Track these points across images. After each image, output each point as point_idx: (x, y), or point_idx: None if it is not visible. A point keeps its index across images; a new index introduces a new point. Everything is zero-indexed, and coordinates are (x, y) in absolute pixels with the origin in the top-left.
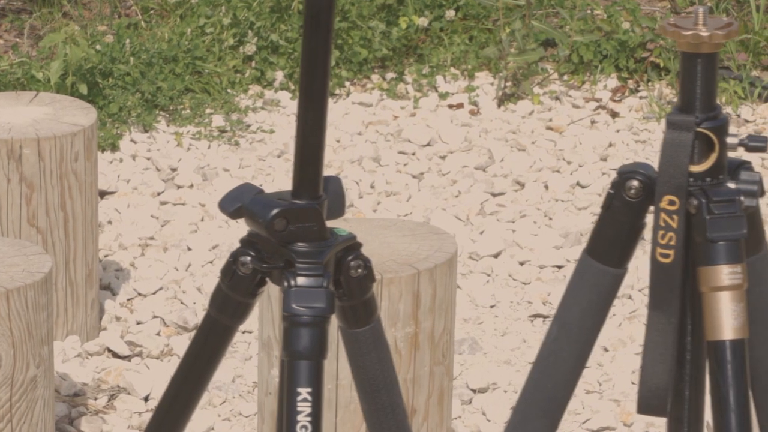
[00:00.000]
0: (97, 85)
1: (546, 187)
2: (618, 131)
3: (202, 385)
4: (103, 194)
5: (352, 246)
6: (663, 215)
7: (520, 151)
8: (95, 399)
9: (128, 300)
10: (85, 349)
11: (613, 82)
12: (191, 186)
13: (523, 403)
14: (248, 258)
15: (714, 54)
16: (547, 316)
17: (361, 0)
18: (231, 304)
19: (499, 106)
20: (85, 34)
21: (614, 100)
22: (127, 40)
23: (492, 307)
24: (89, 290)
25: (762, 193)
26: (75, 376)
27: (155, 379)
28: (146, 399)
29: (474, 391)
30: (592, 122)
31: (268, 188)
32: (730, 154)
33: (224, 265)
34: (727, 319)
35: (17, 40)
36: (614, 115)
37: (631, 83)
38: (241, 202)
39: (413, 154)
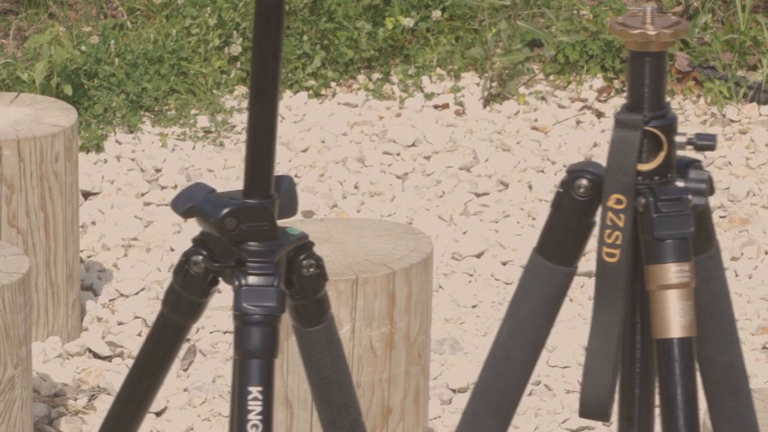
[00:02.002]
0: (83, 86)
1: (530, 187)
2: (603, 131)
3: (156, 385)
4: (87, 195)
5: (304, 245)
6: (610, 214)
7: (505, 152)
8: (75, 399)
9: (110, 301)
10: (65, 349)
11: (599, 82)
12: (175, 187)
13: (475, 401)
14: (200, 257)
15: (662, 53)
16: None
17: (347, 0)
18: (184, 304)
19: (484, 106)
20: (71, 35)
21: (600, 100)
22: (112, 41)
23: (474, 307)
24: (70, 291)
25: (711, 191)
26: (55, 377)
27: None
28: None
29: (454, 391)
30: (578, 122)
31: None
32: (682, 153)
33: (176, 264)
34: (674, 317)
35: (3, 41)
36: (599, 115)
37: (617, 83)
38: (193, 201)
39: (398, 154)
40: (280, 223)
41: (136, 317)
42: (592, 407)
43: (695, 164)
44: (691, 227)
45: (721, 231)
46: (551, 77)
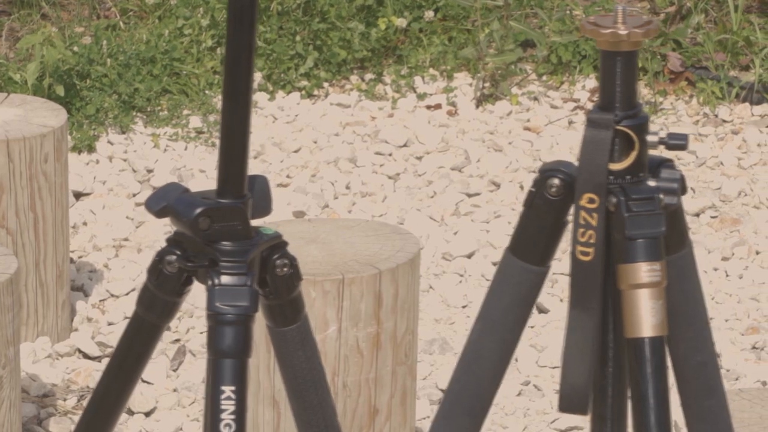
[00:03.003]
0: (75, 86)
1: (521, 187)
2: None
3: (130, 384)
4: (78, 196)
5: (278, 245)
6: (583, 213)
7: (497, 152)
8: (64, 400)
9: (100, 301)
10: (55, 350)
11: (591, 82)
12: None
13: (448, 400)
14: (174, 257)
15: (633, 52)
16: None
17: (340, 1)
18: (158, 303)
19: (477, 106)
20: (63, 35)
21: (592, 101)
22: (104, 42)
23: (464, 307)
24: (60, 291)
25: (683, 191)
26: (45, 377)
27: None
28: None
29: (443, 391)
30: (570, 123)
31: None
32: (654, 152)
33: (150, 263)
34: (646, 316)
35: None
36: None
37: None
38: (166, 201)
39: (390, 154)
40: (255, 222)
41: (127, 318)
42: (570, 401)
43: (667, 163)
44: (662, 226)
45: (713, 231)
46: (544, 77)
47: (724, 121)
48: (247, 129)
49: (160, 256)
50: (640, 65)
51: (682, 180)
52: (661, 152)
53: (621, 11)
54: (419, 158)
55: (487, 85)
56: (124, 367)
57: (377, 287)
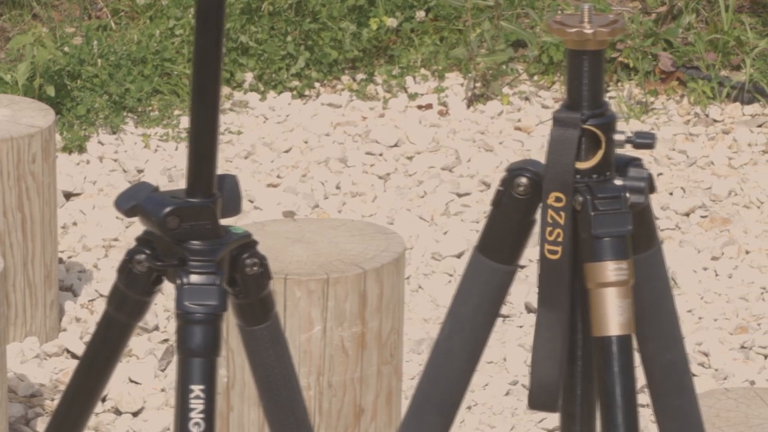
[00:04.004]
0: (65, 86)
1: None
2: None
3: (101, 384)
4: (68, 196)
5: (248, 244)
6: (550, 212)
7: (488, 152)
8: (52, 400)
9: (89, 301)
10: (43, 350)
11: None
12: (158, 188)
13: (418, 399)
14: (143, 256)
15: (600, 51)
16: (507, 316)
17: (331, 1)
18: (128, 302)
19: (468, 106)
20: (54, 36)
21: None
22: (95, 42)
23: None
24: (48, 291)
25: (651, 189)
26: (33, 377)
27: (113, 379)
28: (103, 399)
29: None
30: None
31: None
32: (623, 151)
33: (120, 263)
34: (613, 315)
35: None
36: None
37: None
38: (136, 200)
39: (380, 154)
40: (225, 221)
41: None
42: (540, 399)
43: (635, 162)
44: (628, 225)
45: (702, 231)
46: (535, 77)
47: (715, 120)
48: (215, 128)
49: (130, 255)
50: (631, 65)
51: (649, 179)
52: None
53: (587, 10)
54: (410, 158)
55: (478, 85)
56: (94, 367)
57: (362, 287)
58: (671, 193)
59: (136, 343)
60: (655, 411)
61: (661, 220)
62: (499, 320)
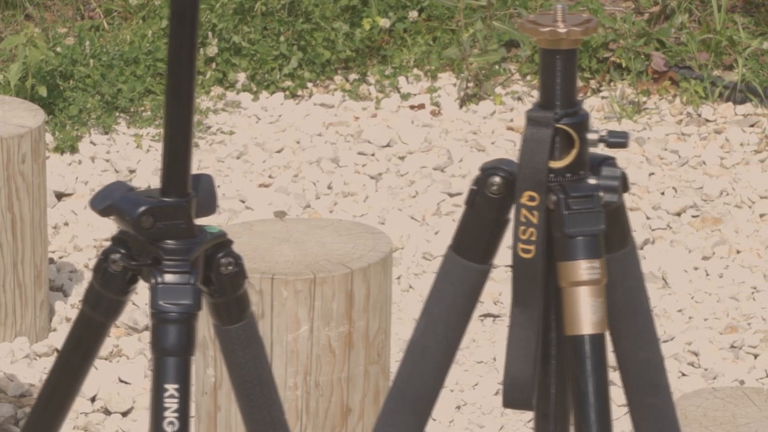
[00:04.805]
0: (58, 87)
1: None
2: None
3: (77, 383)
4: (60, 196)
5: (223, 243)
6: (523, 211)
7: (480, 152)
8: None
9: (80, 301)
10: (33, 350)
11: None
12: (149, 188)
13: (393, 396)
14: (118, 255)
15: (573, 50)
16: (498, 316)
17: (324, 1)
18: (104, 302)
19: (460, 106)
20: (47, 36)
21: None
22: (87, 42)
23: None
24: (38, 292)
25: (625, 189)
26: (22, 377)
27: (102, 379)
28: (93, 399)
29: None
30: None
31: (226, 189)
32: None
33: (96, 262)
34: (585, 314)
35: None
36: None
37: (593, 83)
38: (111, 200)
39: (372, 154)
40: (200, 221)
41: None
42: (514, 397)
43: (609, 161)
44: (601, 224)
45: (693, 230)
46: (528, 77)
47: (707, 120)
48: (190, 128)
49: (105, 254)
50: (623, 65)
51: (623, 178)
52: (644, 153)
53: (560, 9)
54: (402, 158)
55: (470, 85)
56: (70, 367)
57: (349, 287)
58: (663, 193)
59: (126, 343)
60: (630, 409)
61: (652, 219)
62: (489, 320)
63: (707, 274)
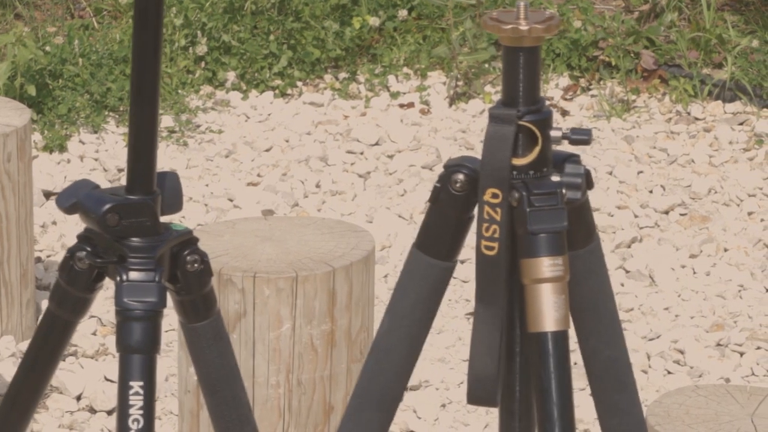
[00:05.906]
0: (47, 86)
1: None
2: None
3: (44, 381)
4: (48, 195)
5: (189, 241)
6: (487, 208)
7: (469, 150)
8: None
9: None
10: (19, 348)
11: (565, 80)
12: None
13: (357, 395)
14: (84, 253)
15: (536, 48)
16: None
17: (314, 0)
18: (70, 300)
19: (450, 105)
20: (36, 35)
21: (565, 99)
22: (76, 41)
23: None
24: (24, 290)
25: (589, 186)
26: (8, 376)
27: (88, 378)
28: (78, 398)
29: (406, 388)
30: None
31: (215, 188)
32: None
33: (62, 260)
34: (548, 310)
35: None
36: (565, 113)
37: (583, 82)
38: (76, 197)
39: (361, 153)
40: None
41: (92, 316)
42: (478, 394)
43: (573, 158)
44: (564, 221)
45: (681, 228)
46: None
47: (697, 118)
48: (154, 126)
49: (71, 252)
50: (613, 63)
51: (587, 175)
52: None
53: (523, 7)
54: (390, 157)
55: (460, 83)
56: (37, 364)
57: (331, 285)
58: (651, 191)
59: (112, 341)
60: (597, 407)
61: (640, 217)
62: None
63: (694, 272)
